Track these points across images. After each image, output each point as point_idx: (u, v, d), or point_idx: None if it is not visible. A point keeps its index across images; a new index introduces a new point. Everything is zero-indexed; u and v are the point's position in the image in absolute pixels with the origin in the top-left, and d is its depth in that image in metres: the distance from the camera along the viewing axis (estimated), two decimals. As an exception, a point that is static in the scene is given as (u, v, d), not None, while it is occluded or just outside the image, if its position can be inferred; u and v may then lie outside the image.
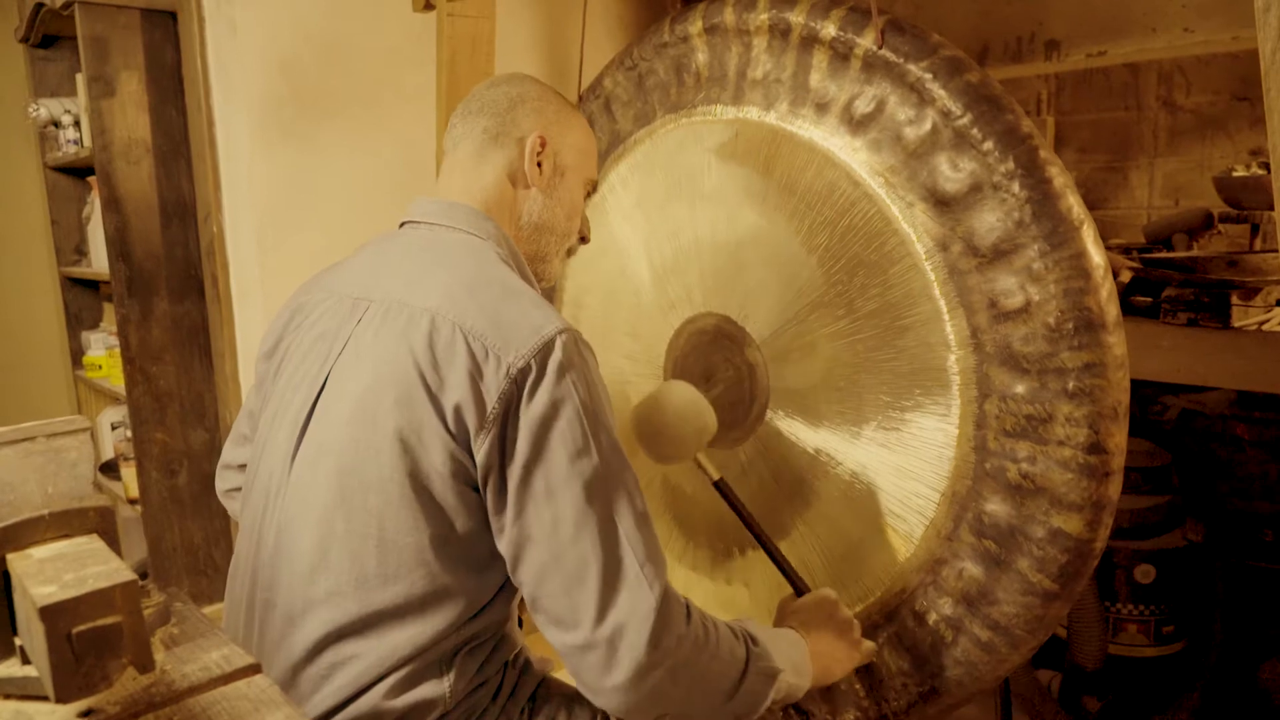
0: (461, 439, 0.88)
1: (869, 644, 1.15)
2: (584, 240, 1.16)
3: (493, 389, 0.87)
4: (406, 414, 0.89)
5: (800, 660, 1.02)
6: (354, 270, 1.05)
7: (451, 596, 0.92)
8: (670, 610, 0.88)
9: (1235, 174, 1.78)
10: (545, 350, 0.88)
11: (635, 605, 0.86)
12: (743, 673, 0.94)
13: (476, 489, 0.90)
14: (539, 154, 1.07)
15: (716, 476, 1.23)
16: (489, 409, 0.87)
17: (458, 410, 0.87)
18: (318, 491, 0.93)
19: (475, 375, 0.87)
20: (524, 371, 0.87)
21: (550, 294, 1.63)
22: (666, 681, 0.87)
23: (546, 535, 0.87)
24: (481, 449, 0.87)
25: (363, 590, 0.90)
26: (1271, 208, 1.73)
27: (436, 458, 0.89)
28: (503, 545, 0.90)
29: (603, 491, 0.88)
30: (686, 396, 1.26)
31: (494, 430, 0.87)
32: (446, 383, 0.88)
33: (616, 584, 0.86)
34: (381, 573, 0.90)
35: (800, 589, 1.18)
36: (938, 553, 1.14)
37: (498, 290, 0.94)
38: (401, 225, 1.09)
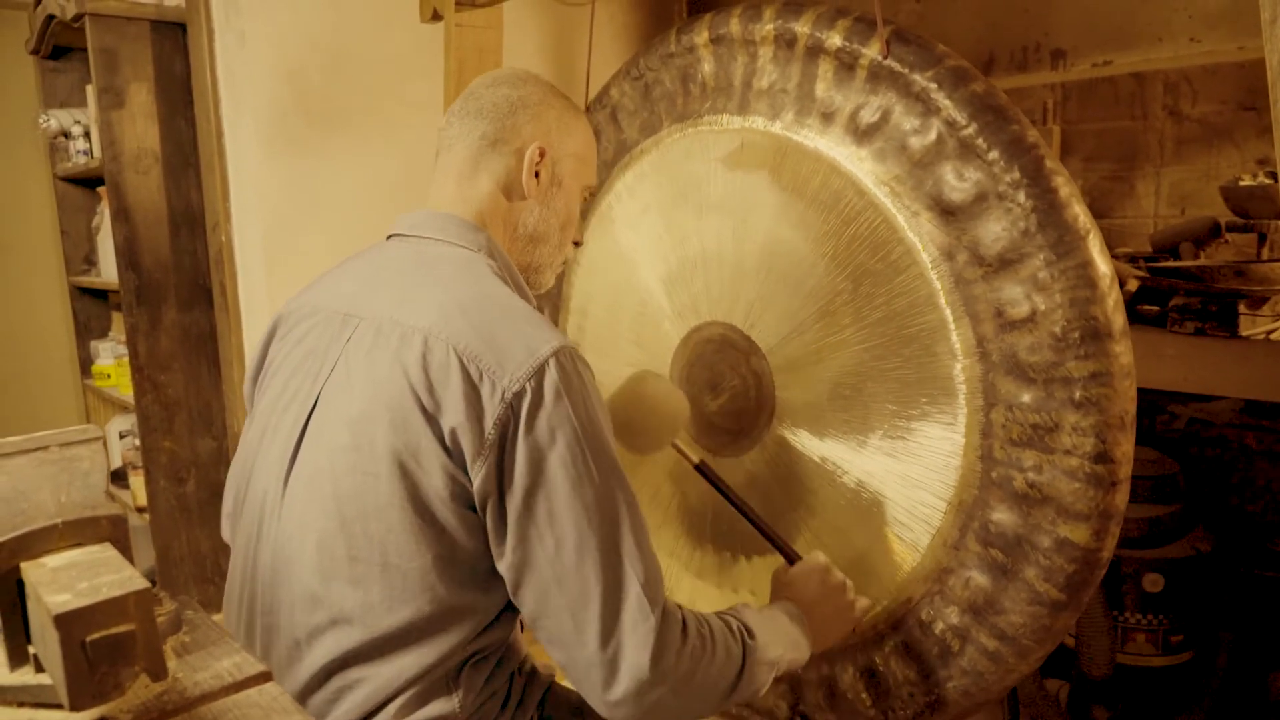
0: (459, 462, 0.87)
1: (864, 601, 1.15)
2: (576, 244, 1.15)
3: (489, 414, 0.86)
4: (403, 437, 0.87)
5: (798, 634, 1.03)
6: (341, 284, 1.03)
7: (458, 616, 0.91)
8: (669, 629, 0.89)
9: (1242, 183, 1.78)
10: (540, 372, 0.86)
11: (636, 627, 0.86)
12: (740, 669, 0.95)
13: (475, 509, 0.90)
14: (537, 165, 1.04)
15: (696, 460, 1.22)
16: (485, 435, 0.86)
17: (454, 434, 0.86)
18: (315, 517, 0.91)
19: (471, 399, 0.86)
20: (519, 395, 0.86)
21: (556, 302, 1.64)
22: (668, 696, 0.88)
23: (549, 560, 0.86)
24: (479, 475, 0.86)
25: (368, 617, 0.89)
26: (1278, 216, 1.73)
27: (436, 480, 0.87)
28: (503, 568, 0.90)
29: (603, 514, 0.87)
30: (657, 386, 1.25)
31: (491, 457, 0.86)
32: (443, 405, 0.87)
33: (619, 607, 0.87)
34: (387, 599, 0.89)
35: (791, 558, 1.18)
36: (944, 562, 1.14)
37: (491, 307, 0.92)
38: (389, 238, 1.07)
